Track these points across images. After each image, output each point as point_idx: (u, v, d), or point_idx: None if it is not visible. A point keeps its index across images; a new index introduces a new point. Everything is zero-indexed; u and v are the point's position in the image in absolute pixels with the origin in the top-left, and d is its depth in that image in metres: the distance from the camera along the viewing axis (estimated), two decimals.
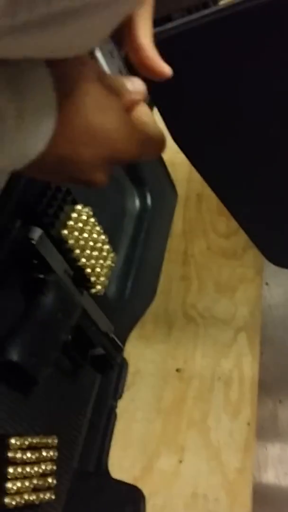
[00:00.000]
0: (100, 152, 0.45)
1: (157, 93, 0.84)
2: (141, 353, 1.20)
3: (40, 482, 0.71)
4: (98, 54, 0.51)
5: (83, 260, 0.79)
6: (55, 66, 0.40)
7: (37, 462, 0.72)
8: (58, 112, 0.41)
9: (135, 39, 0.49)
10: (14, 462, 0.69)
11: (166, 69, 0.50)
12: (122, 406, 1.12)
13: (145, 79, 0.81)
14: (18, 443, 0.69)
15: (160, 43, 0.74)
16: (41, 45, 0.29)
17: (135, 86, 0.49)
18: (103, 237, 0.83)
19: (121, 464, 1.09)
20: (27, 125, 0.39)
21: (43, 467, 0.72)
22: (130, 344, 1.17)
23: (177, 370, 1.20)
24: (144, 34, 0.49)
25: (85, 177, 0.48)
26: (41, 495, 0.71)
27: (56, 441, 0.74)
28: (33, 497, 0.70)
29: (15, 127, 0.38)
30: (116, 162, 0.49)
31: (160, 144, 0.53)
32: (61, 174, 0.47)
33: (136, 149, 0.49)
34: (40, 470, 0.71)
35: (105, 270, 0.82)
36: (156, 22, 0.78)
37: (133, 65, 0.50)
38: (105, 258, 0.83)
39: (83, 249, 0.79)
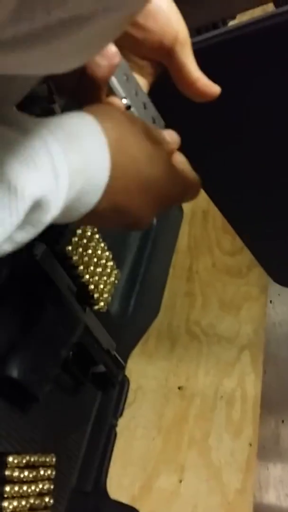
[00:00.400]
0: (150, 199, 0.49)
1: (165, 113, 0.84)
2: (143, 369, 1.19)
3: (37, 502, 0.70)
4: (133, 109, 0.55)
5: (87, 276, 0.78)
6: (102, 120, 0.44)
7: (35, 481, 0.71)
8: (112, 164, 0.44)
9: (187, 74, 0.55)
10: (11, 481, 0.68)
11: (218, 88, 0.56)
12: (123, 423, 1.11)
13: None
14: (16, 461, 0.69)
15: None
16: (41, 57, 0.29)
17: (172, 137, 0.54)
18: (107, 253, 0.82)
19: (121, 482, 1.08)
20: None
21: (40, 486, 0.71)
22: (132, 360, 1.16)
23: (179, 387, 1.19)
24: (194, 67, 0.55)
25: (136, 221, 0.51)
26: None
27: (54, 459, 0.74)
28: None
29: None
30: (164, 207, 0.53)
31: (197, 187, 0.57)
32: (115, 220, 0.50)
33: (180, 194, 0.54)
34: (37, 489, 0.70)
35: (108, 287, 0.82)
36: None
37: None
38: (108, 275, 0.82)
39: (87, 266, 0.79)
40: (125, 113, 0.51)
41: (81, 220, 0.46)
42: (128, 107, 0.54)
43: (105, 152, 0.43)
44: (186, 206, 1.37)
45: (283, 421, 1.22)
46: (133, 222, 0.51)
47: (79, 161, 0.40)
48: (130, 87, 0.55)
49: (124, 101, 0.53)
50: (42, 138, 0.38)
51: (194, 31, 0.97)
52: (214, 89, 0.56)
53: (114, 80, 0.52)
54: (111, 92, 0.53)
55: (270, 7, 0.97)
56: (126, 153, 0.46)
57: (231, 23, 1.03)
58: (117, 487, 1.07)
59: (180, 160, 0.54)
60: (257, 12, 0.78)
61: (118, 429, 1.03)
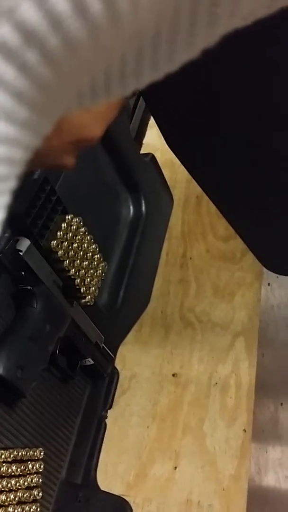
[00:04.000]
0: (67, 139, 0.49)
1: (153, 103, 0.83)
2: (137, 357, 1.19)
3: (25, 495, 0.71)
4: None
5: (73, 270, 0.78)
6: None
7: (23, 475, 0.71)
8: None
9: None
10: None
11: None
12: (117, 411, 1.12)
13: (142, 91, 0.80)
14: (3, 456, 0.69)
15: None
16: None
17: None
18: (93, 246, 0.82)
19: (116, 470, 1.08)
20: None
21: (29, 479, 0.72)
22: (126, 348, 1.17)
23: (173, 375, 1.20)
24: None
25: (56, 162, 0.52)
26: (26, 508, 0.71)
27: (42, 453, 0.74)
28: (18, 510, 0.70)
29: None
30: (83, 145, 0.53)
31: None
32: (34, 162, 0.49)
33: (101, 130, 0.53)
34: (26, 483, 0.71)
35: (95, 280, 0.82)
36: None
37: None
38: (95, 268, 0.82)
39: (72, 260, 0.78)
40: None
41: None
42: None
43: None
44: (180, 192, 1.36)
45: (281, 404, 1.22)
46: (52, 162, 0.52)
47: None
48: None
49: None
50: None
51: None
52: None
53: None
54: None
55: None
56: None
57: None
58: (112, 474, 1.07)
59: None
60: None
61: (112, 417, 1.03)
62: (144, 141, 1.15)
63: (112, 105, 0.52)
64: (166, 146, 0.84)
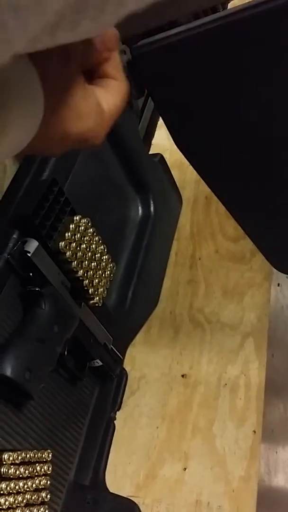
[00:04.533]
0: (69, 146, 0.49)
1: (162, 103, 0.83)
2: (146, 358, 1.19)
3: (33, 497, 0.71)
4: None
5: (81, 271, 0.78)
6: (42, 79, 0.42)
7: (31, 477, 0.71)
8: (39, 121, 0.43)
9: None
10: (7, 477, 0.69)
11: None
12: (127, 412, 1.12)
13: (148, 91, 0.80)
14: (11, 458, 0.69)
15: (163, 49, 0.73)
16: None
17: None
18: (102, 247, 0.82)
19: (125, 471, 1.08)
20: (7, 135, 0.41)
21: (37, 481, 0.72)
22: (135, 349, 1.16)
23: (183, 375, 1.19)
24: None
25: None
26: (34, 510, 0.71)
27: (50, 455, 0.74)
28: None
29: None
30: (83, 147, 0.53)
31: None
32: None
33: (102, 138, 0.52)
34: (34, 485, 0.71)
35: (103, 281, 0.82)
36: (163, 27, 0.76)
37: None
38: (103, 269, 0.82)
39: (80, 261, 0.78)
40: None
41: None
42: None
43: None
44: (189, 192, 1.36)
45: None
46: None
47: None
48: None
49: None
50: None
51: (192, 15, 0.95)
52: None
53: None
54: None
55: None
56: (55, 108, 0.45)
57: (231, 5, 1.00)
58: (122, 475, 1.07)
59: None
60: None
61: (121, 418, 1.03)
62: (153, 141, 1.14)
63: (113, 111, 0.52)
64: (175, 146, 0.84)
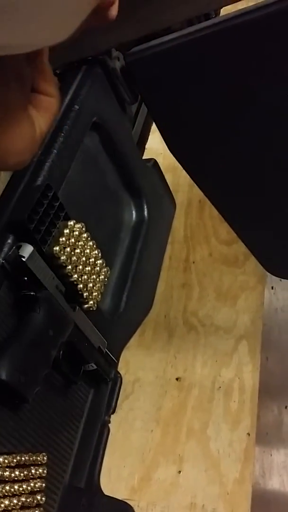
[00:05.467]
0: None
1: (155, 108, 0.84)
2: (140, 361, 1.20)
3: (29, 500, 0.71)
4: None
5: (75, 276, 0.78)
6: None
7: (26, 479, 0.72)
8: None
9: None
10: (2, 480, 0.69)
11: None
12: (121, 415, 1.12)
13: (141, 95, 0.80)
14: (6, 461, 0.69)
15: (157, 55, 0.73)
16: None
17: None
18: (96, 252, 0.82)
19: (120, 474, 1.09)
20: None
21: (32, 484, 0.72)
22: (130, 352, 1.17)
23: (177, 379, 1.20)
24: None
25: None
26: None
27: (45, 458, 0.74)
28: None
29: None
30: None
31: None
32: None
33: (29, 159, 0.55)
34: (29, 488, 0.71)
35: (98, 285, 0.82)
36: (157, 34, 0.77)
37: None
38: (98, 273, 0.82)
39: (75, 265, 0.79)
40: None
41: None
42: None
43: None
44: (182, 196, 1.37)
45: (286, 407, 1.22)
46: None
47: None
48: None
49: None
50: None
51: (184, 22, 0.96)
52: None
53: None
54: None
55: None
56: None
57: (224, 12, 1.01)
58: (116, 478, 1.08)
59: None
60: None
61: (116, 421, 1.04)
62: (147, 146, 1.15)
63: (44, 133, 0.55)
64: (169, 150, 0.85)
